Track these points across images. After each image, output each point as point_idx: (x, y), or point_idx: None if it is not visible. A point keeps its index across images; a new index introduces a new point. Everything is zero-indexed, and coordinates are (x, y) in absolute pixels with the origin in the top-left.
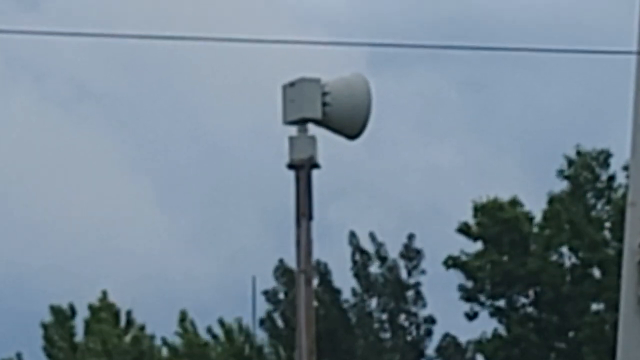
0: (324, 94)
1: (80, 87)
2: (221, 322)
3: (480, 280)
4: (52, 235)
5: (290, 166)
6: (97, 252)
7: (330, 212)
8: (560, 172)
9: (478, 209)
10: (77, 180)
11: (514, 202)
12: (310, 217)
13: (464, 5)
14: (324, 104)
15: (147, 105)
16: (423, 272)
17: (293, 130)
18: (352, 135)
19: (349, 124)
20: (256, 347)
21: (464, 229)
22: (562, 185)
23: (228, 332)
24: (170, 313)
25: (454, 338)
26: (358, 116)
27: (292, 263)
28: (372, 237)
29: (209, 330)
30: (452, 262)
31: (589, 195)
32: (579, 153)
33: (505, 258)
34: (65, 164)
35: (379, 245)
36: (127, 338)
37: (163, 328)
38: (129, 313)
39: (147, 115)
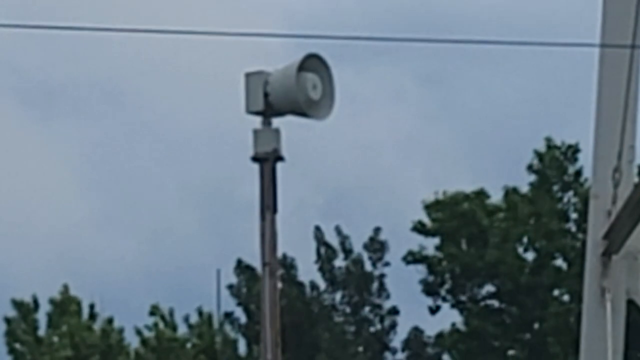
0: (266, 84)
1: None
2: (187, 317)
3: (440, 274)
4: None
5: (255, 159)
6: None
7: (294, 204)
8: (530, 167)
9: (434, 205)
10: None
11: (477, 195)
12: (274, 210)
13: None
14: (266, 95)
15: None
16: (387, 264)
17: (257, 122)
18: (311, 115)
19: (294, 106)
20: (230, 341)
21: (419, 227)
22: (527, 178)
23: (198, 325)
24: (135, 306)
25: (416, 329)
26: (298, 97)
27: (252, 258)
28: (338, 230)
29: (172, 326)
30: (412, 258)
31: (556, 188)
32: (548, 147)
33: (464, 251)
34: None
35: (344, 238)
36: (96, 331)
37: (129, 321)
38: (92, 306)
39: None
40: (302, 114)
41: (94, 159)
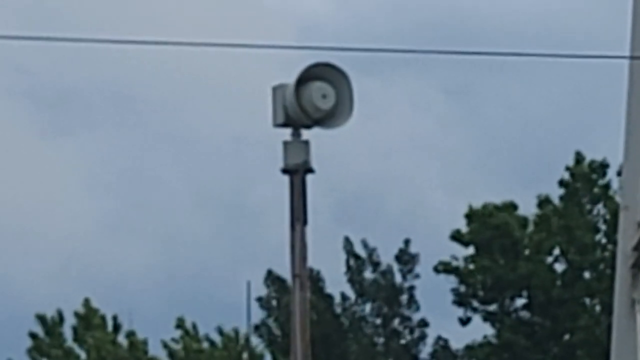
0: (284, 97)
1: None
2: (219, 330)
3: (472, 285)
4: None
5: (285, 171)
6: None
7: (324, 216)
8: (561, 182)
9: (470, 215)
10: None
11: (507, 207)
12: (304, 222)
13: (452, 10)
14: (285, 107)
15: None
16: (417, 276)
17: (287, 134)
18: (323, 124)
19: (306, 116)
20: (256, 354)
21: (457, 236)
22: (556, 191)
23: (227, 339)
24: (154, 318)
25: (446, 341)
26: (305, 108)
27: (281, 270)
28: (365, 243)
29: (199, 337)
30: (442, 268)
31: (585, 200)
32: (577, 161)
33: (496, 263)
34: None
35: (371, 251)
36: (123, 344)
37: (151, 332)
38: (115, 318)
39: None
40: (318, 123)
41: (113, 168)
